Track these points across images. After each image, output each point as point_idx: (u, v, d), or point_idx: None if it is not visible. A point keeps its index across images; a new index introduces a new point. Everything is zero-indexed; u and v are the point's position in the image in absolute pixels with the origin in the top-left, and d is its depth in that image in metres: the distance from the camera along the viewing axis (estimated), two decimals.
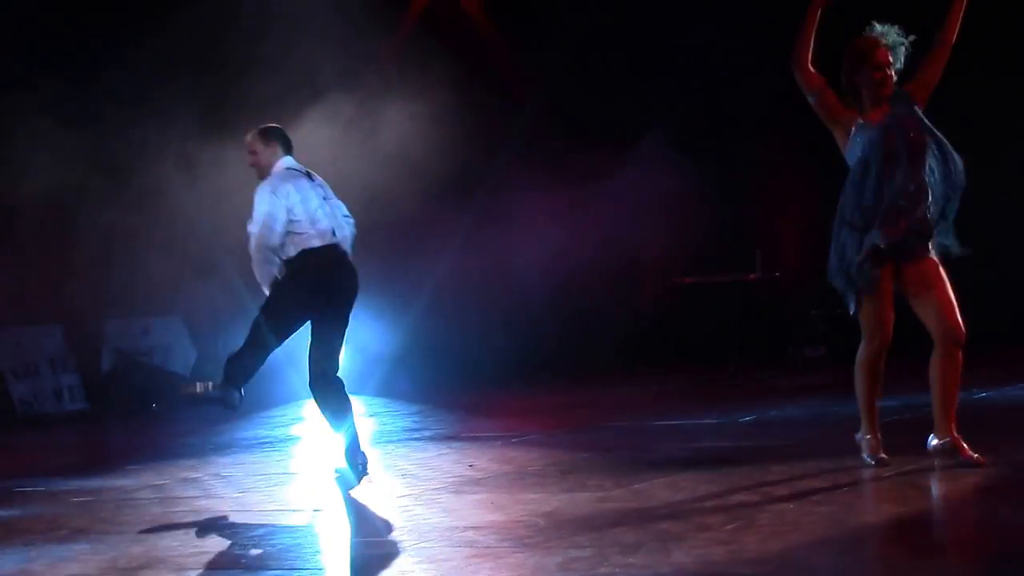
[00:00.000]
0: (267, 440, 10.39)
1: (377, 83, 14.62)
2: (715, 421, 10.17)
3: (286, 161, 8.02)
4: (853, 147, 6.88)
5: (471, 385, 13.75)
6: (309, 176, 8.03)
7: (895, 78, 6.87)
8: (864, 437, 7.04)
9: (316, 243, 7.78)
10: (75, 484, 8.40)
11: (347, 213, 8.13)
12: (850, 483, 6.66)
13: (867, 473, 6.84)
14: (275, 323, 7.89)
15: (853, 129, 6.87)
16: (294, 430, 11.24)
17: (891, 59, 6.84)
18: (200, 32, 13.14)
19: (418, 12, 16.06)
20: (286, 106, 12.10)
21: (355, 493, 7.43)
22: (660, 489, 6.75)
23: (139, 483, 8.35)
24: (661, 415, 10.74)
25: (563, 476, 7.53)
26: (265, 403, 13.27)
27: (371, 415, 12.02)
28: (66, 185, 13.04)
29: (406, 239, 15.09)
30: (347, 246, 8.00)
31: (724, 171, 16.34)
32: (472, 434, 10.07)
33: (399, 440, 9.87)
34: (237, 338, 14.59)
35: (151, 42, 13.23)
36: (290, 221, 7.75)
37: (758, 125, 16.17)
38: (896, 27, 6.90)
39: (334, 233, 7.87)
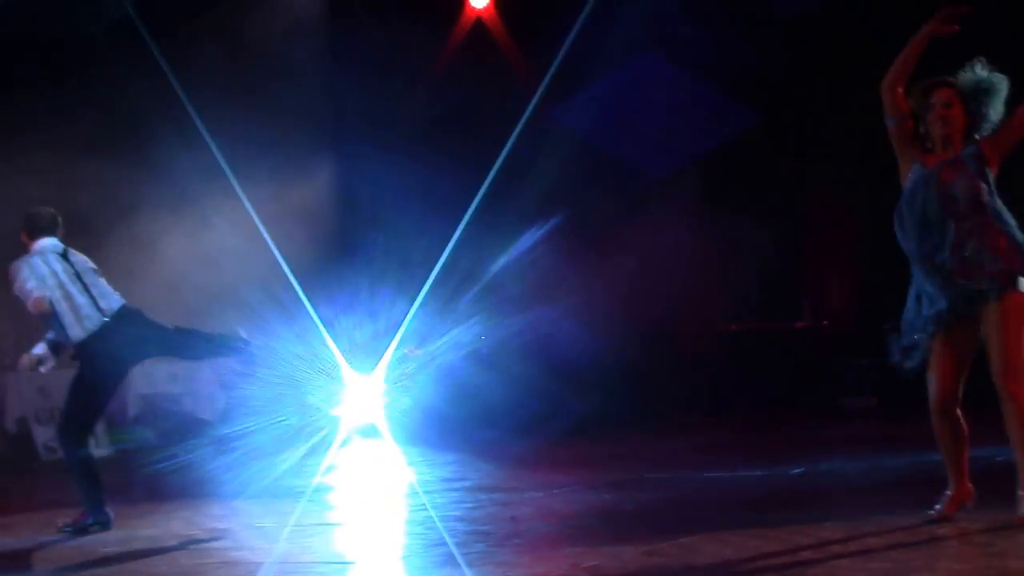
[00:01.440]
0: (300, 489, 10.41)
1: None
2: (763, 473, 10.14)
3: None
4: (906, 184, 6.94)
5: (512, 435, 13.74)
6: None
7: (974, 124, 6.87)
8: (945, 492, 7.00)
9: None
10: (102, 534, 8.44)
11: None
12: (907, 540, 6.63)
13: (926, 528, 6.80)
14: None
15: (912, 166, 6.92)
16: (327, 479, 11.26)
17: (961, 101, 6.85)
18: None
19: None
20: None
21: (391, 545, 7.45)
22: (708, 543, 6.74)
23: (168, 533, 8.40)
24: (708, 467, 10.71)
25: (608, 529, 7.53)
26: (297, 452, 13.32)
27: (409, 464, 12.04)
28: (90, 228, 13.21)
29: (446, 289, 15.17)
30: None
31: (771, 218, 16.35)
32: (513, 485, 10.05)
33: (437, 490, 9.87)
34: (265, 384, 14.75)
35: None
36: None
37: (805, 173, 16.22)
38: (994, 73, 6.88)
39: None
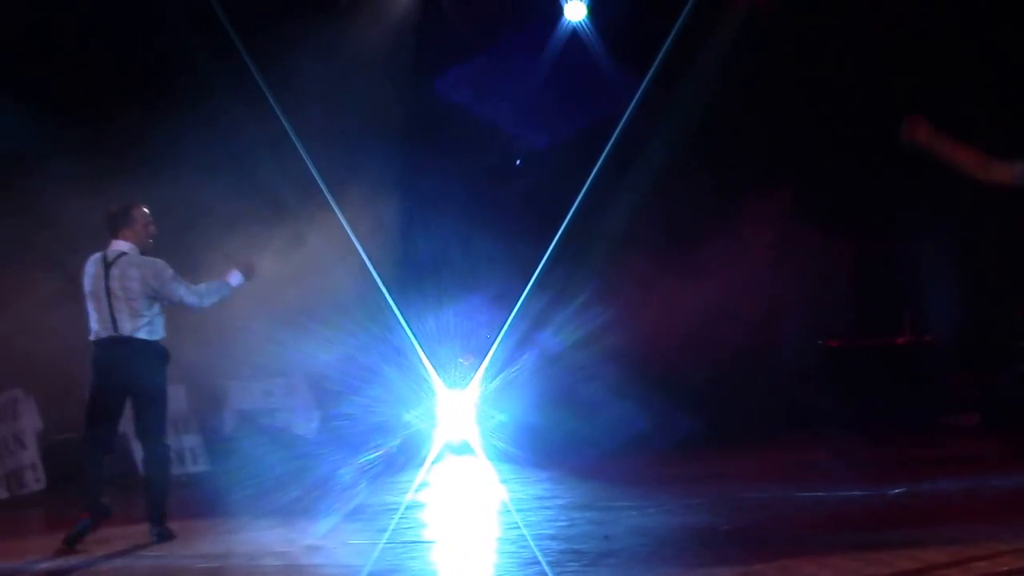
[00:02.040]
0: (393, 506, 10.48)
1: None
2: (863, 493, 10.02)
3: None
4: None
5: (607, 453, 13.71)
6: None
7: None
8: None
9: None
10: (199, 549, 8.56)
11: None
12: (1016, 565, 6.52)
13: None
14: None
15: None
16: (421, 496, 11.32)
17: None
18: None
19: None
20: None
21: (483, 563, 7.48)
22: (806, 565, 6.69)
23: (264, 549, 8.49)
24: (805, 486, 10.61)
25: (702, 549, 7.50)
26: (389, 469, 13.42)
27: (502, 482, 12.06)
28: (185, 242, 13.43)
29: (539, 305, 15.22)
30: None
31: (871, 231, 16.19)
32: (608, 503, 10.04)
33: (531, 508, 9.88)
34: (359, 399, 14.90)
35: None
36: None
37: (905, 184, 16.02)
38: None
39: None
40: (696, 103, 15.77)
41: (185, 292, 9.29)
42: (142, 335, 9.15)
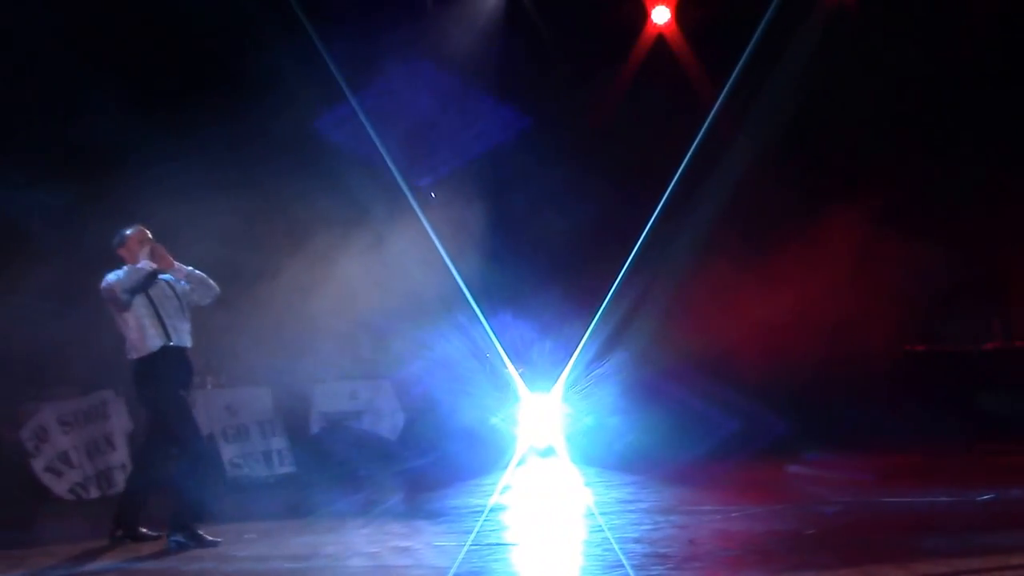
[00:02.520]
0: (478, 508, 10.56)
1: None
2: (950, 499, 9.96)
3: None
4: None
5: (690, 457, 13.69)
6: None
7: None
8: None
9: None
10: (285, 550, 8.68)
11: None
12: None
13: None
14: None
15: None
16: (505, 499, 11.38)
17: None
18: None
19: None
20: None
21: (568, 566, 7.53)
22: (892, 570, 6.68)
23: (350, 550, 8.60)
24: (891, 491, 10.55)
25: (788, 553, 7.50)
26: (474, 471, 13.50)
27: (587, 485, 12.10)
28: (265, 245, 13.63)
29: (624, 308, 15.23)
30: None
31: (959, 235, 16.04)
32: (690, 507, 10.05)
33: (615, 511, 9.91)
34: (446, 402, 15.01)
35: None
36: None
37: (992, 187, 15.87)
38: None
39: None
40: (781, 107, 15.72)
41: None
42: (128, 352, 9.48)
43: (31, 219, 13.24)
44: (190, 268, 9.66)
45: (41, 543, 10.04)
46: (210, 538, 9.00)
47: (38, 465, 13.41)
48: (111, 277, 9.37)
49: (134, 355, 9.36)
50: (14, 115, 13.74)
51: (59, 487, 13.35)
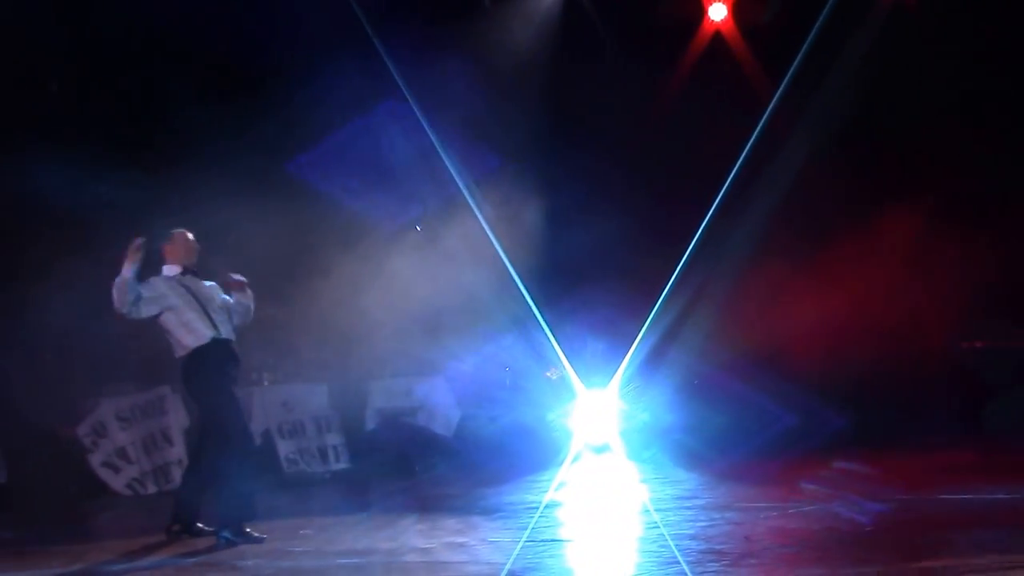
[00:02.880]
0: (533, 504, 10.56)
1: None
2: (1008, 496, 9.85)
3: None
4: None
5: (747, 453, 13.64)
6: None
7: None
8: None
9: None
10: (340, 546, 8.72)
11: None
12: None
13: None
14: None
15: None
16: (559, 495, 11.38)
17: None
18: None
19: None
20: None
21: (623, 562, 7.52)
22: (949, 567, 6.61)
23: (405, 546, 8.63)
24: (949, 488, 10.45)
25: (845, 550, 7.45)
26: (529, 468, 13.51)
27: (642, 481, 12.08)
28: (320, 243, 13.71)
29: (680, 304, 15.19)
30: None
31: (1018, 230, 15.87)
32: (746, 503, 10.01)
33: (671, 508, 9.89)
34: (499, 398, 15.01)
35: None
36: None
37: None
38: None
39: None
40: (837, 104, 15.63)
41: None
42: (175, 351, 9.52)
43: (92, 212, 13.35)
44: (247, 295, 9.71)
45: (98, 538, 10.15)
46: (256, 534, 9.02)
47: (95, 460, 13.54)
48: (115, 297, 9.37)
49: (181, 352, 9.38)
50: (81, 108, 13.91)
51: (116, 482, 13.48)
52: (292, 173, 14.11)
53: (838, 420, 14.76)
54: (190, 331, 9.33)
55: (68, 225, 13.42)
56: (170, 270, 9.52)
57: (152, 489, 13.56)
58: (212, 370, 9.31)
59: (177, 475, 13.72)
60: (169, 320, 9.36)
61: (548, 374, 15.57)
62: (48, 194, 13.25)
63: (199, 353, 9.32)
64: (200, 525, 9.40)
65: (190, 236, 9.70)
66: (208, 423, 9.48)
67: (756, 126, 14.46)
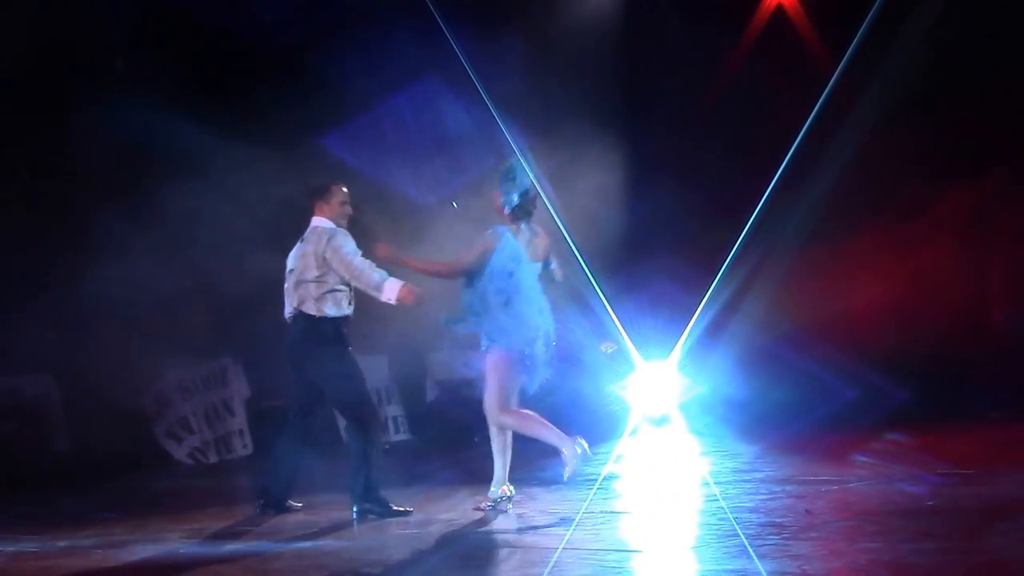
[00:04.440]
0: (592, 477, 10.54)
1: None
2: None
3: None
4: None
5: (807, 426, 13.56)
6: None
7: None
8: None
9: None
10: (401, 515, 8.73)
11: None
12: None
13: None
14: None
15: None
16: (618, 468, 11.36)
17: None
18: None
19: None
20: None
21: (682, 535, 7.50)
22: (1012, 546, 6.54)
23: (465, 516, 8.65)
24: (1013, 465, 10.33)
25: (906, 525, 7.38)
26: (587, 440, 13.46)
27: (701, 454, 12.04)
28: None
29: (741, 275, 15.10)
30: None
31: None
32: (809, 477, 9.94)
33: (730, 481, 9.85)
34: (557, 370, 14.98)
35: None
36: None
37: None
38: None
39: None
40: (902, 75, 15.45)
41: (359, 265, 9.00)
42: (309, 311, 9.01)
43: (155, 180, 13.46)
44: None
45: (160, 507, 10.25)
46: (402, 508, 8.88)
47: (159, 430, 13.67)
48: (355, 260, 8.99)
49: (315, 314, 8.99)
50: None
51: (179, 452, 13.61)
52: (335, 145, 14.12)
53: (900, 394, 14.62)
54: (336, 300, 9.04)
55: (132, 194, 13.54)
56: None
57: (214, 459, 13.68)
58: (344, 342, 9.11)
59: (239, 445, 13.85)
60: (325, 282, 9.03)
61: (603, 348, 15.51)
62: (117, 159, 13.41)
63: (336, 322, 9.05)
64: (291, 502, 9.26)
65: (344, 189, 9.37)
66: (336, 396, 9.19)
67: (820, 95, 14.29)
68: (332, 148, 14.00)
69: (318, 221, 9.22)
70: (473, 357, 15.35)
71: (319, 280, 8.98)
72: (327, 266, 8.98)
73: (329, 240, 9.00)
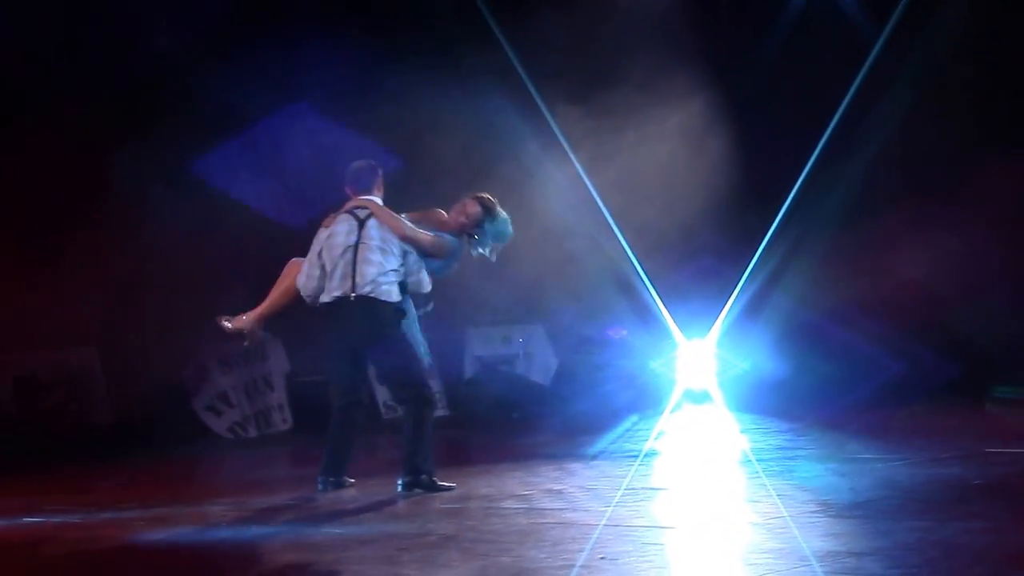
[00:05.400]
0: (632, 453, 10.48)
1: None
2: None
3: None
4: None
5: (850, 403, 13.45)
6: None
7: None
8: None
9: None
10: (440, 492, 8.68)
11: None
12: None
13: None
14: None
15: None
16: (658, 444, 11.29)
17: None
18: None
19: None
20: None
21: (725, 513, 7.41)
22: None
23: (503, 492, 8.58)
24: None
25: (952, 503, 7.27)
26: (630, 417, 13.44)
27: (743, 431, 11.94)
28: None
29: (783, 249, 14.99)
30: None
31: None
32: (851, 455, 9.83)
33: (771, 459, 9.74)
34: (597, 347, 14.89)
35: None
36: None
37: None
38: None
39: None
40: (946, 46, 15.27)
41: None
42: (382, 293, 8.90)
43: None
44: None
45: (202, 480, 10.26)
46: (444, 483, 8.81)
47: (198, 404, 13.70)
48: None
49: (395, 298, 8.87)
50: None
51: (218, 426, 13.65)
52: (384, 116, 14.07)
53: (947, 368, 14.46)
54: (419, 281, 8.99)
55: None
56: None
57: (253, 433, 13.70)
58: (413, 320, 9.03)
59: (278, 420, 13.87)
60: (409, 263, 8.99)
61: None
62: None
63: (409, 302, 9.03)
64: (346, 478, 9.17)
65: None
66: (402, 375, 9.02)
67: (862, 67, 14.16)
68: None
69: (369, 199, 9.11)
70: (514, 332, 15.37)
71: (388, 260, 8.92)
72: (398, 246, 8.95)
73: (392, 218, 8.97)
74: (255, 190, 14.28)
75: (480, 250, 9.25)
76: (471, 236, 9.24)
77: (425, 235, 9.00)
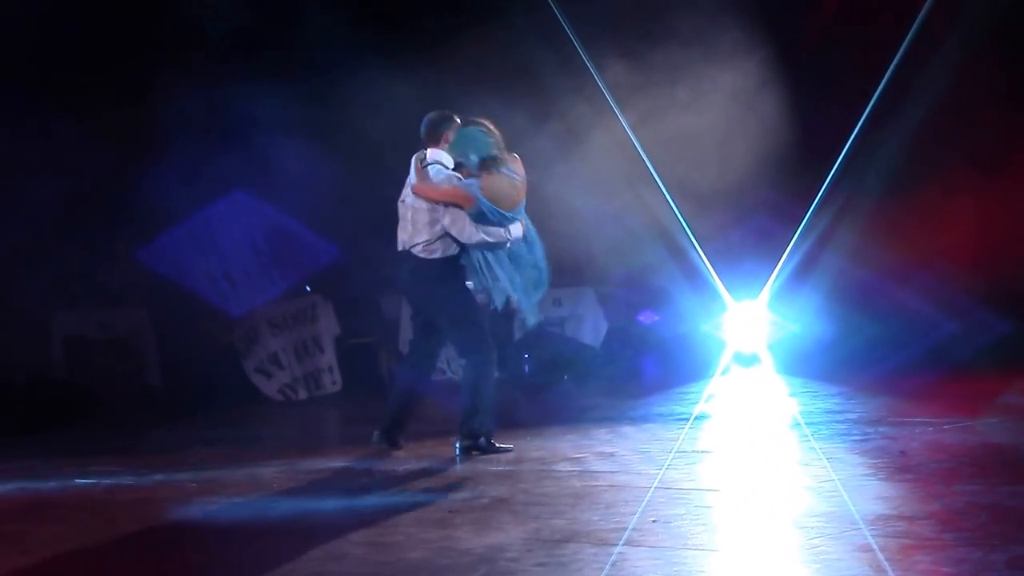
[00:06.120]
0: (682, 416, 10.57)
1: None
2: None
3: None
4: None
5: (899, 365, 13.46)
6: None
7: None
8: None
9: None
10: (491, 455, 8.80)
11: None
12: None
13: None
14: None
15: None
16: (708, 407, 11.37)
17: None
18: None
19: None
20: None
21: (775, 476, 7.50)
22: None
23: (556, 455, 8.70)
24: None
25: (1004, 467, 7.34)
26: (679, 379, 13.52)
27: (792, 395, 12.01)
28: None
29: (835, 208, 14.97)
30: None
31: None
32: (900, 418, 9.88)
33: (821, 423, 9.81)
34: (648, 309, 14.95)
35: None
36: None
37: None
38: None
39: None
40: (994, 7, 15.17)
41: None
42: (429, 252, 8.87)
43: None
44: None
45: (254, 442, 10.43)
46: (502, 445, 8.93)
47: (248, 366, 13.88)
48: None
49: (439, 255, 8.84)
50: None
51: (269, 388, 13.82)
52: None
53: (1000, 327, 14.40)
54: (463, 237, 8.81)
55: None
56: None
57: (303, 395, 13.86)
58: (464, 278, 9.06)
59: (328, 382, 14.02)
60: (456, 219, 8.78)
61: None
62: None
63: (457, 259, 8.98)
64: (401, 441, 9.22)
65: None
66: (455, 332, 9.06)
67: (912, 25, 14.07)
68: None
69: (426, 152, 9.00)
70: (564, 295, 15.45)
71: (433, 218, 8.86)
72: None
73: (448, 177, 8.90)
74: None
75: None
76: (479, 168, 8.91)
77: (435, 189, 8.75)
